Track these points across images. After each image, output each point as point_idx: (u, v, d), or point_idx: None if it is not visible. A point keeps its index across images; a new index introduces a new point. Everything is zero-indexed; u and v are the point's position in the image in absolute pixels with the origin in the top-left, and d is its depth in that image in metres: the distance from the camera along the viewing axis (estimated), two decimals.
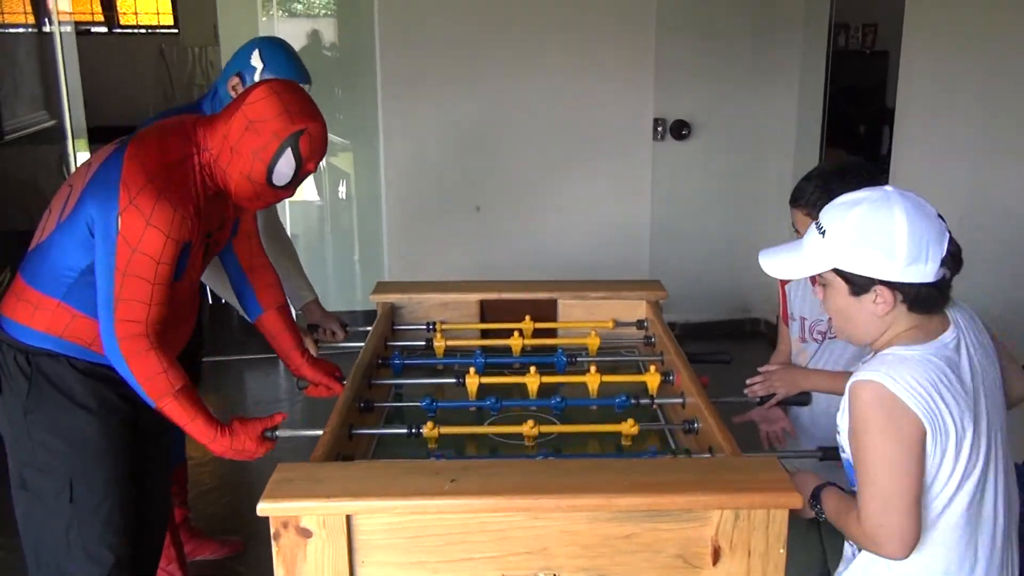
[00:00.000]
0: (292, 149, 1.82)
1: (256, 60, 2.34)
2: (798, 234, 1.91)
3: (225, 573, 2.96)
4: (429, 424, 1.90)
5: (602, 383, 2.13)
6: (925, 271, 1.43)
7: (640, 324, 2.57)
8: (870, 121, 6.78)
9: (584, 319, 2.60)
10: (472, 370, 2.16)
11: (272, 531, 1.45)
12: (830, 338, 2.15)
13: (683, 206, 4.83)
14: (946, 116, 4.39)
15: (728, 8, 4.72)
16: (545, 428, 1.94)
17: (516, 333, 2.42)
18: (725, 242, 4.90)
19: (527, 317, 2.53)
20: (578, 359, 2.31)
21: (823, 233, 1.49)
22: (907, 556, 1.42)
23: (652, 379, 2.14)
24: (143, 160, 1.78)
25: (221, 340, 4.72)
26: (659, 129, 4.77)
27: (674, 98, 4.73)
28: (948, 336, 1.50)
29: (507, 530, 1.47)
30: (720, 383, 2.21)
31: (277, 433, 1.91)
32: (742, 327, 4.95)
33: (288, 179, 1.87)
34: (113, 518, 1.91)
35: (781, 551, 1.48)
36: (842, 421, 1.52)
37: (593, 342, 2.41)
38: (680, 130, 4.77)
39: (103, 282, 1.78)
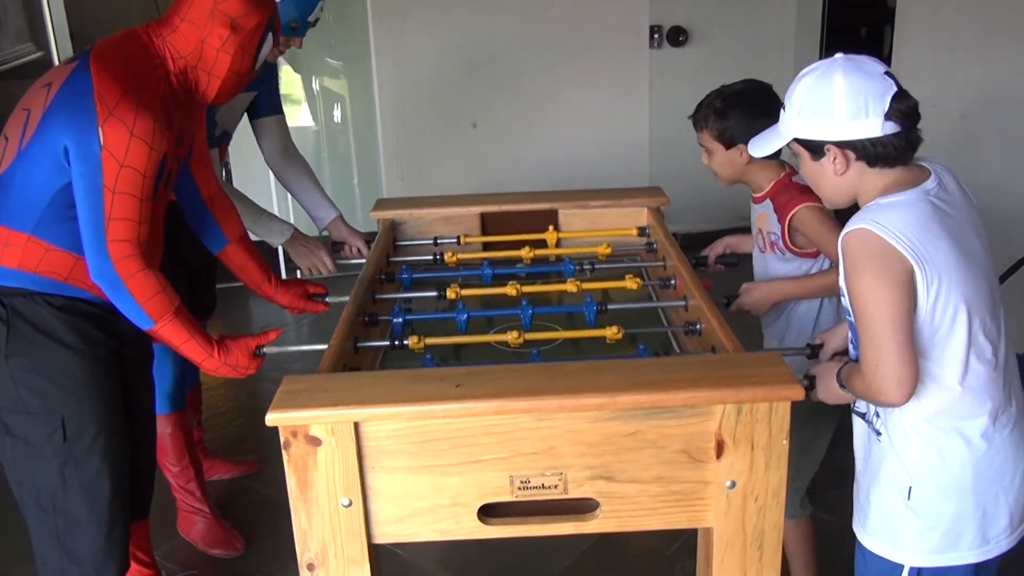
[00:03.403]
0: (272, 32, 1.92)
1: None
2: (703, 148, 2.20)
3: (240, 491, 3.03)
4: (414, 338, 1.92)
5: (580, 290, 2.16)
6: (868, 125, 1.50)
7: (642, 231, 2.57)
8: (871, 22, 6.66)
9: (586, 228, 2.60)
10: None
11: (282, 440, 1.47)
12: (759, 249, 2.23)
13: (682, 114, 4.70)
14: (947, 15, 4.30)
15: None
16: (530, 335, 1.95)
17: (527, 247, 2.43)
18: None
19: (551, 227, 2.54)
20: (579, 268, 2.33)
21: (784, 107, 1.60)
22: (905, 400, 1.47)
23: (632, 283, 2.17)
24: (113, 72, 1.73)
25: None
26: (655, 36, 4.69)
27: (670, 4, 4.64)
28: (929, 184, 1.55)
29: (513, 432, 1.49)
30: (722, 287, 2.22)
31: (264, 349, 1.93)
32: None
33: (263, 59, 1.95)
34: (108, 452, 1.89)
35: (784, 442, 1.51)
36: (841, 281, 1.57)
37: (604, 251, 2.42)
38: (677, 36, 4.70)
39: (90, 202, 1.72)
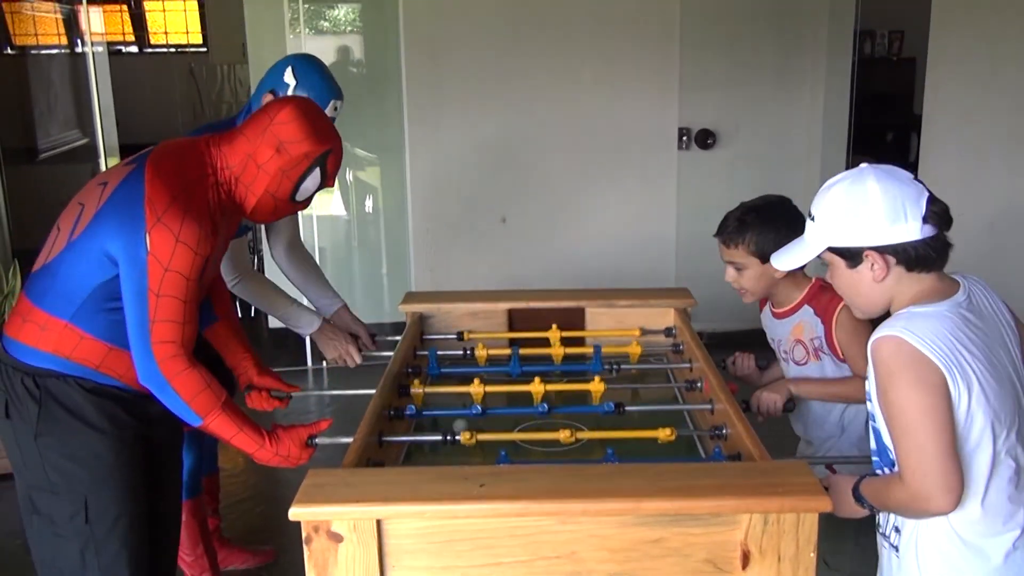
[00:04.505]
0: (320, 168, 1.92)
1: (289, 77, 2.37)
2: (731, 265, 2.20)
3: None
4: (466, 433, 1.90)
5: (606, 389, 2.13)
6: (908, 229, 1.51)
7: (668, 332, 2.58)
8: (897, 128, 6.76)
9: (612, 327, 2.61)
10: (477, 380, 2.13)
11: (304, 535, 1.46)
12: (796, 362, 2.22)
13: (709, 215, 4.76)
14: (975, 121, 4.36)
15: (752, 15, 4.71)
16: (581, 435, 1.94)
17: (558, 343, 2.44)
18: None
19: (554, 326, 2.52)
20: (608, 367, 2.33)
21: (813, 219, 1.60)
22: (955, 506, 1.44)
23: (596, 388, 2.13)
24: (166, 179, 1.79)
25: None
26: (684, 138, 4.77)
27: (699, 107, 4.73)
28: (960, 296, 1.56)
29: (536, 535, 1.48)
30: (749, 391, 2.21)
31: (317, 440, 1.93)
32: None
33: (309, 194, 1.96)
34: (129, 536, 1.89)
35: (812, 555, 1.48)
36: (870, 386, 1.56)
37: (634, 350, 2.43)
38: (705, 139, 4.77)
39: (135, 305, 1.77)
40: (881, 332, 1.51)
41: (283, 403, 2.23)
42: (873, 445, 1.64)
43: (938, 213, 1.52)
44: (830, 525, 1.72)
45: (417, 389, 2.14)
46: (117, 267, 1.78)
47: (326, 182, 1.95)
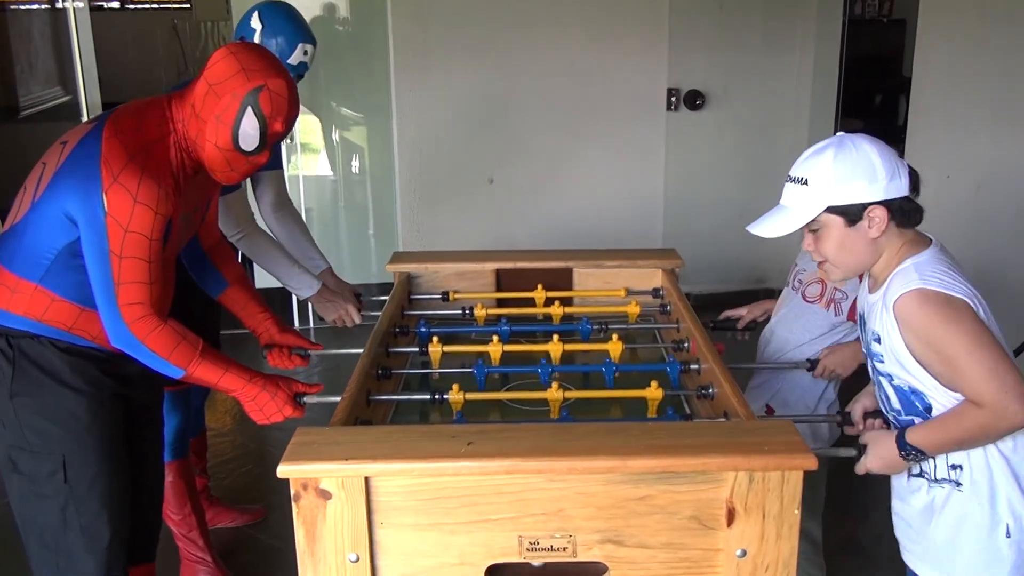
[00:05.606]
0: (252, 107, 1.76)
1: (255, 22, 2.35)
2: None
3: (245, 540, 3.00)
4: (455, 387, 1.91)
5: (564, 352, 2.15)
6: (902, 185, 1.62)
7: (656, 292, 2.58)
8: (886, 91, 6.74)
9: (599, 288, 2.61)
10: (496, 338, 2.16)
11: (292, 493, 1.47)
12: (805, 297, 2.24)
13: (697, 176, 4.81)
14: (964, 85, 4.34)
15: None
16: (570, 394, 1.95)
17: (557, 303, 2.45)
18: (739, 212, 4.81)
19: (540, 286, 2.53)
20: (598, 327, 2.34)
21: (806, 183, 1.64)
22: None
23: (614, 347, 2.15)
24: (123, 138, 1.75)
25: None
26: (673, 99, 4.74)
27: (688, 68, 4.70)
28: (935, 245, 1.67)
29: (523, 492, 1.49)
30: (734, 350, 2.22)
31: (306, 399, 1.93)
32: (756, 297, 4.90)
33: (256, 142, 1.80)
34: (108, 494, 1.89)
35: (796, 512, 1.49)
36: (895, 344, 1.62)
37: (633, 310, 2.43)
38: (694, 100, 4.75)
39: (98, 269, 1.74)
40: (900, 291, 1.59)
41: (305, 361, 2.21)
42: (896, 405, 1.69)
43: (913, 172, 1.65)
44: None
45: (436, 348, 2.14)
46: (78, 228, 1.75)
47: (268, 125, 1.78)
